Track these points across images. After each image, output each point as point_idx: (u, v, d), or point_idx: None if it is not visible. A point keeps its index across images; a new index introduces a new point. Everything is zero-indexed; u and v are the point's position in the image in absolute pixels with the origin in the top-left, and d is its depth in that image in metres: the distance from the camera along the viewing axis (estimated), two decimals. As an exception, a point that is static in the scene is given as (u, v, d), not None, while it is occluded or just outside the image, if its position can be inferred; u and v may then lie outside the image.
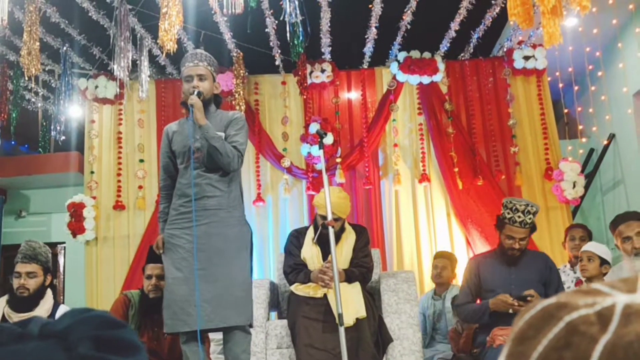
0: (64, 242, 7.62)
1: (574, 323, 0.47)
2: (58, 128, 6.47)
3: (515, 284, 3.92)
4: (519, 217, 3.89)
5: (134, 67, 5.84)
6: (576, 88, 6.49)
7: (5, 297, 3.80)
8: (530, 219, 3.90)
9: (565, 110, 6.85)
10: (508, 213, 3.93)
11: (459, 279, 5.33)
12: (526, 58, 6.43)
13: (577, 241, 4.96)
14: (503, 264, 4.04)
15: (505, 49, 6.58)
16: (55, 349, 0.61)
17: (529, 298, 3.72)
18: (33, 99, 7.14)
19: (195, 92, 3.45)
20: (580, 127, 6.60)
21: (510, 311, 3.77)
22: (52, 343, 0.62)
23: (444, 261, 5.30)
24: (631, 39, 6.06)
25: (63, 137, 6.51)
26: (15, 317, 3.62)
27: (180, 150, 3.57)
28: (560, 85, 6.38)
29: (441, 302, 5.16)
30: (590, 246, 4.35)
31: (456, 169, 6.26)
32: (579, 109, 6.55)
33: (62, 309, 3.84)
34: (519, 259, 4.01)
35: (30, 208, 7.88)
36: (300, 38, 5.00)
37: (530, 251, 4.21)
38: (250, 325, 3.49)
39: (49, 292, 3.85)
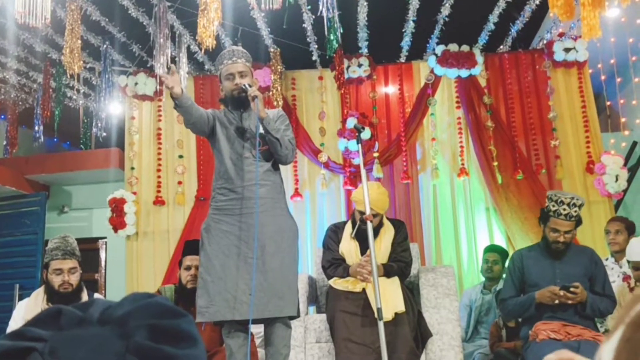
0: (105, 237, 7.74)
1: None
2: (99, 125, 6.58)
3: (560, 278, 3.87)
4: (565, 209, 3.83)
5: (173, 63, 5.90)
6: (618, 80, 6.36)
7: (42, 291, 3.74)
8: (575, 211, 3.84)
9: (608, 103, 6.72)
10: (553, 206, 3.87)
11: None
12: (567, 50, 6.30)
13: (612, 235, 4.82)
14: (547, 258, 3.99)
15: (545, 42, 6.48)
16: (112, 336, 0.62)
17: (572, 289, 3.69)
18: (74, 97, 7.26)
19: (247, 85, 3.45)
20: (623, 119, 6.47)
21: (557, 302, 3.75)
22: (109, 330, 0.63)
23: (495, 255, 5.24)
24: (676, 29, 5.92)
25: (104, 134, 6.61)
26: None
27: (232, 140, 3.52)
28: (602, 77, 6.26)
29: (491, 295, 5.11)
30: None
31: (495, 163, 6.19)
32: (622, 101, 6.42)
33: (96, 297, 3.81)
34: (563, 253, 3.95)
35: (73, 204, 8.01)
36: (337, 33, 4.99)
37: (575, 245, 4.15)
38: (297, 316, 3.48)
39: (83, 284, 3.81)
